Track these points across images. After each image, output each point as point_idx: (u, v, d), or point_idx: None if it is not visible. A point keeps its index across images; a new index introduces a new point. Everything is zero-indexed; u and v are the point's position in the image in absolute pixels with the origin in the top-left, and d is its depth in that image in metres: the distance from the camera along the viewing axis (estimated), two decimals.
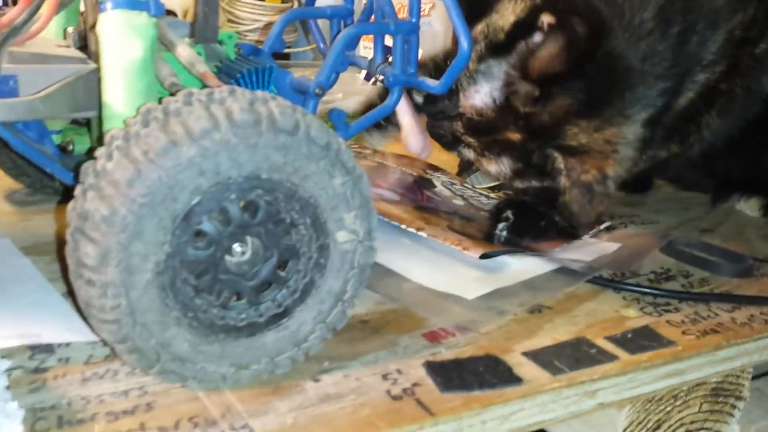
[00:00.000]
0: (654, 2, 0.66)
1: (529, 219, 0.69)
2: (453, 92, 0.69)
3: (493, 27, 0.69)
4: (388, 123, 0.78)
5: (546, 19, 0.64)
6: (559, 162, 0.66)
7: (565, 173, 0.66)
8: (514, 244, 0.66)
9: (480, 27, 0.70)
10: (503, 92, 0.67)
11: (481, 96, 0.68)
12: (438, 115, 0.72)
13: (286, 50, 1.20)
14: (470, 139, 0.71)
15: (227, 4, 1.22)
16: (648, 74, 0.66)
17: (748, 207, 0.82)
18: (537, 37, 0.65)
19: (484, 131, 0.70)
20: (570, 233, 0.69)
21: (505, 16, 0.69)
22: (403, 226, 0.66)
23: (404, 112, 0.71)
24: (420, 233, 0.65)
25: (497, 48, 0.67)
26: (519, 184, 0.73)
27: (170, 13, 1.08)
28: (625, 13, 0.66)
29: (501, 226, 0.68)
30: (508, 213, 0.68)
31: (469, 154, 0.73)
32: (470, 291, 0.58)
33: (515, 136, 0.68)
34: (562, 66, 0.64)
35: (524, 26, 0.66)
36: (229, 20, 1.22)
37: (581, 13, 0.64)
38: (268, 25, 1.09)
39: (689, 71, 0.69)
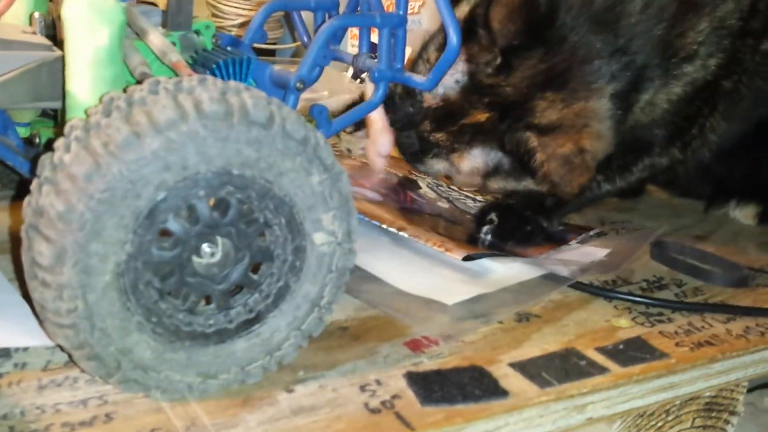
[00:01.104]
0: None
1: (514, 223, 0.66)
2: (413, 95, 0.67)
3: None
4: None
5: None
6: (533, 141, 0.64)
7: (539, 150, 0.64)
8: (498, 248, 0.64)
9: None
10: (465, 70, 0.66)
11: (445, 81, 0.66)
12: (402, 124, 0.69)
13: (271, 47, 1.18)
14: (438, 135, 0.68)
15: None
16: (605, 48, 0.64)
17: (743, 215, 0.80)
18: None
19: (451, 118, 0.67)
20: (557, 239, 0.67)
21: (461, 9, 0.67)
22: (384, 226, 0.64)
23: (374, 122, 0.67)
24: (401, 233, 0.63)
25: None
26: (494, 184, 0.70)
27: (148, 2, 1.06)
28: None
29: (485, 229, 0.65)
30: (493, 216, 0.66)
31: (438, 165, 0.70)
32: (452, 296, 0.55)
33: (483, 115, 0.66)
34: (522, 24, 0.63)
35: (480, 7, 0.65)
36: (214, 15, 1.19)
37: None
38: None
39: (659, 57, 0.66)
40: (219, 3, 1.17)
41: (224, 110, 0.38)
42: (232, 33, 1.16)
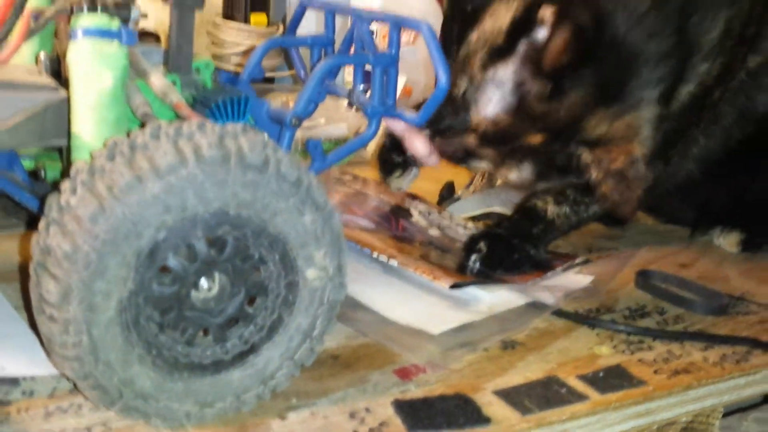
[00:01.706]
0: None
1: (502, 251, 0.68)
2: (459, 108, 0.68)
3: (489, 31, 0.67)
4: (410, 164, 0.76)
5: (547, 12, 0.63)
6: (586, 156, 0.65)
7: (594, 166, 0.65)
8: (487, 276, 0.66)
9: (475, 35, 0.68)
10: (516, 95, 0.66)
11: (494, 104, 0.66)
12: (445, 133, 0.70)
13: (270, 74, 1.20)
14: (486, 151, 0.69)
15: (212, 27, 1.21)
16: (653, 53, 0.66)
17: (727, 242, 0.82)
18: (541, 33, 0.63)
19: (503, 140, 0.68)
20: (544, 266, 0.69)
21: (500, 18, 0.67)
22: (375, 254, 0.66)
23: (394, 124, 0.68)
24: (391, 262, 0.65)
25: (500, 52, 0.66)
26: (543, 185, 0.71)
27: (150, 34, 1.08)
28: None
29: (474, 257, 0.67)
30: (481, 244, 0.68)
31: (483, 165, 0.71)
32: (439, 325, 0.58)
33: (536, 138, 0.67)
34: (572, 56, 0.63)
35: (523, 24, 0.65)
36: (213, 43, 1.21)
37: (579, 1, 0.64)
38: (253, 49, 1.08)
39: (691, 52, 0.68)
40: (219, 32, 1.20)
41: (222, 155, 0.41)
42: (231, 60, 1.19)
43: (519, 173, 0.68)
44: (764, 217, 0.80)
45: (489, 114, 0.66)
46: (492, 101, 0.66)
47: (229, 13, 1.23)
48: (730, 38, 0.69)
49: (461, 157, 0.69)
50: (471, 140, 0.68)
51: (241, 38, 1.17)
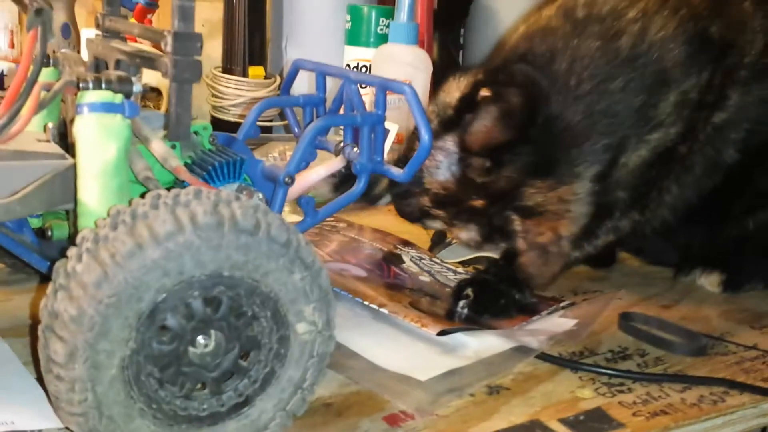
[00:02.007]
0: (592, 64, 0.71)
1: (489, 297, 0.71)
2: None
3: (442, 104, 0.74)
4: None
5: (483, 93, 0.68)
6: (517, 224, 0.70)
7: (521, 236, 0.70)
8: (474, 322, 0.69)
9: (431, 107, 0.75)
10: (459, 166, 0.72)
11: (441, 171, 0.73)
12: (404, 194, 0.76)
13: (268, 124, 1.24)
14: (438, 212, 0.75)
15: (211, 80, 1.26)
16: (590, 131, 0.71)
17: (708, 282, 0.85)
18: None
19: (450, 203, 0.74)
20: (530, 310, 0.72)
21: (451, 93, 0.74)
22: (366, 302, 0.69)
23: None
24: (382, 309, 0.68)
25: (448, 123, 0.72)
26: (489, 248, 0.76)
27: (153, 89, 1.13)
28: (561, 77, 0.71)
29: (461, 303, 0.70)
30: (469, 291, 0.71)
31: (436, 225, 0.77)
32: (426, 372, 0.60)
33: (478, 203, 0.72)
34: (504, 135, 0.68)
35: (468, 101, 0.71)
36: (213, 95, 1.26)
37: (518, 83, 0.69)
38: (252, 101, 1.13)
39: (636, 127, 0.72)
40: (219, 84, 1.24)
41: (216, 221, 0.44)
42: (231, 112, 1.23)
43: (468, 233, 0.73)
44: (741, 258, 0.83)
45: (437, 179, 0.72)
46: (440, 168, 0.72)
47: (228, 67, 1.28)
48: (687, 107, 0.73)
49: (418, 217, 0.75)
50: (425, 201, 0.74)
51: (239, 90, 1.22)
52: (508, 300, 0.72)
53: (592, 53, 0.72)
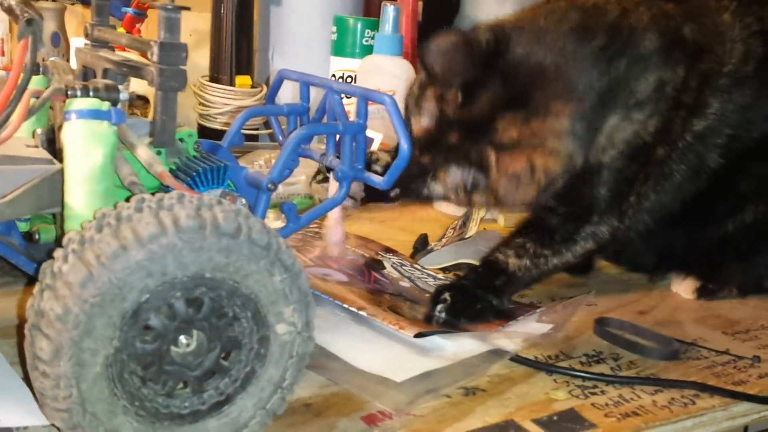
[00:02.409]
0: (566, 20, 0.75)
1: (467, 301, 0.73)
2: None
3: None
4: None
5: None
6: (492, 158, 0.72)
7: (495, 166, 0.71)
8: (452, 326, 0.71)
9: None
10: (437, 107, 0.74)
11: (425, 119, 0.76)
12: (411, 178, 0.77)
13: (254, 132, 1.26)
14: (425, 160, 0.76)
15: (198, 88, 1.27)
16: (563, 71, 0.73)
17: (683, 289, 0.87)
18: None
19: (431, 144, 0.75)
20: (506, 315, 0.74)
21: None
22: (346, 306, 0.71)
23: (332, 212, 0.76)
24: (361, 312, 0.70)
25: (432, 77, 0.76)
26: (477, 199, 0.76)
27: (141, 97, 1.14)
28: (529, 26, 0.75)
29: (439, 307, 0.72)
30: (447, 295, 0.73)
31: (437, 187, 0.77)
32: (402, 373, 0.62)
33: (454, 137, 0.74)
34: (465, 65, 0.72)
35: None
36: (200, 103, 1.27)
37: (490, 27, 0.74)
38: (239, 110, 1.14)
39: (618, 89, 0.74)
40: (205, 92, 1.26)
41: (198, 224, 0.46)
42: (218, 120, 1.24)
43: (452, 178, 0.75)
44: (716, 265, 0.85)
45: (422, 125, 0.76)
46: (423, 115, 0.76)
47: (215, 76, 1.29)
48: (664, 100, 0.75)
49: (421, 192, 0.77)
50: (416, 154, 0.74)
51: (226, 99, 1.24)
52: (485, 305, 0.74)
53: (568, 17, 0.75)
